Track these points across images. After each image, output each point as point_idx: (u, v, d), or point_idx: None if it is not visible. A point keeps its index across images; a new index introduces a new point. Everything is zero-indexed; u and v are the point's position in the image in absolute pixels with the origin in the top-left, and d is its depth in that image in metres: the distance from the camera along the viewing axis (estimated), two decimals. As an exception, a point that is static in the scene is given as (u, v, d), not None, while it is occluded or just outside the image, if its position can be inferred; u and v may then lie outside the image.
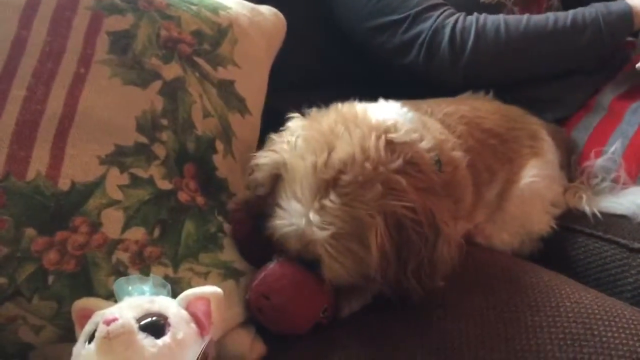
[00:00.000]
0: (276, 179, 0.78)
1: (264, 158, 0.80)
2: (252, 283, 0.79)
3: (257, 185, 0.81)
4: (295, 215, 0.74)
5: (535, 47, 1.18)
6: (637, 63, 1.23)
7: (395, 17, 1.19)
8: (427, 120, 0.92)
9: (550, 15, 1.18)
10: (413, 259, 0.73)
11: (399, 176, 0.74)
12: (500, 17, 1.18)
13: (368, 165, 0.73)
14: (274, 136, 0.84)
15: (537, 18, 1.18)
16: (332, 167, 0.73)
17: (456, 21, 1.17)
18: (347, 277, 0.76)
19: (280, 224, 0.76)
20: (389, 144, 0.76)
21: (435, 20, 1.17)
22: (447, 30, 1.16)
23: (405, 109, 0.87)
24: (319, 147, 0.75)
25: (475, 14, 1.19)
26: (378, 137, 0.76)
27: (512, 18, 1.18)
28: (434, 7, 1.19)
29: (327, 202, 0.72)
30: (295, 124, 0.82)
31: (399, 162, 0.75)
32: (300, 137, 0.78)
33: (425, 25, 1.17)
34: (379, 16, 1.21)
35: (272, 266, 0.79)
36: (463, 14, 1.18)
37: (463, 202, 0.90)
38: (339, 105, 0.85)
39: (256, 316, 0.79)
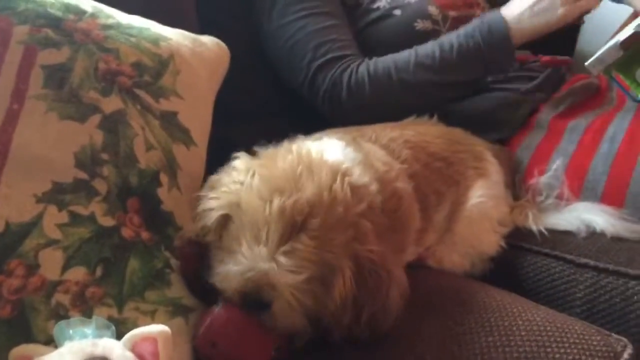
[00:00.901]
0: (225, 222, 0.76)
1: (215, 201, 0.78)
2: (198, 330, 0.76)
3: (207, 232, 0.78)
4: (259, 260, 0.71)
5: (425, 85, 1.22)
6: (573, 83, 1.28)
7: (302, 64, 1.25)
8: (369, 149, 0.92)
9: (436, 47, 1.21)
10: (369, 305, 0.73)
11: (365, 220, 0.74)
12: (389, 59, 1.23)
13: (340, 209, 0.73)
14: (218, 177, 0.82)
15: (424, 52, 1.22)
16: (301, 210, 0.71)
17: (351, 73, 1.22)
18: (295, 323, 0.74)
19: (238, 270, 0.72)
20: (352, 187, 0.76)
21: (334, 74, 1.22)
22: (344, 84, 1.21)
23: (349, 150, 0.86)
24: (282, 188, 0.73)
25: (366, 60, 1.24)
26: (342, 181, 0.76)
27: (401, 57, 1.23)
28: (336, 59, 1.24)
29: (298, 245, 0.70)
30: (245, 163, 0.81)
31: (363, 207, 0.75)
32: (257, 177, 0.76)
33: (326, 79, 1.23)
34: (292, 61, 1.27)
35: (217, 311, 0.76)
36: (357, 64, 1.23)
37: (409, 230, 0.90)
38: (289, 144, 0.84)
39: None
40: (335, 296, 0.71)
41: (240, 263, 0.72)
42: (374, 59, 1.24)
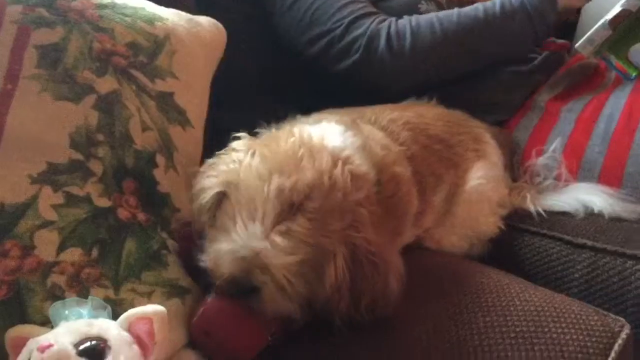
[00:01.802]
0: (221, 201, 0.75)
1: (212, 179, 0.77)
2: (192, 319, 0.76)
3: (202, 211, 0.78)
4: (252, 238, 0.70)
5: (469, 37, 1.20)
6: (571, 64, 1.27)
7: (329, 26, 1.20)
8: (369, 131, 0.91)
9: (479, 5, 1.21)
10: (368, 293, 0.73)
11: (363, 209, 0.74)
12: (432, 14, 1.21)
13: (339, 194, 0.72)
14: (216, 158, 0.81)
15: (467, 9, 1.20)
16: (300, 191, 0.71)
17: (389, 25, 1.18)
18: (285, 307, 0.73)
19: (230, 248, 0.71)
20: (352, 175, 0.75)
21: (369, 27, 1.18)
22: (383, 34, 1.18)
23: (349, 134, 0.85)
24: (283, 169, 0.72)
25: (406, 16, 1.21)
26: (343, 168, 0.75)
27: (443, 13, 1.21)
28: (367, 15, 1.21)
29: (294, 226, 0.69)
30: (245, 143, 0.80)
31: (361, 195, 0.75)
32: (257, 157, 0.75)
33: (359, 32, 1.19)
34: (315, 27, 1.22)
35: (210, 300, 0.76)
36: (395, 18, 1.20)
37: (407, 214, 0.90)
38: (290, 127, 0.84)
39: (200, 350, 0.76)
40: (327, 283, 0.71)
41: (234, 241, 0.71)
42: (414, 15, 1.22)
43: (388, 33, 1.18)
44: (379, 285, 0.73)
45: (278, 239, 0.69)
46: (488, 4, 1.20)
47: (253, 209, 0.71)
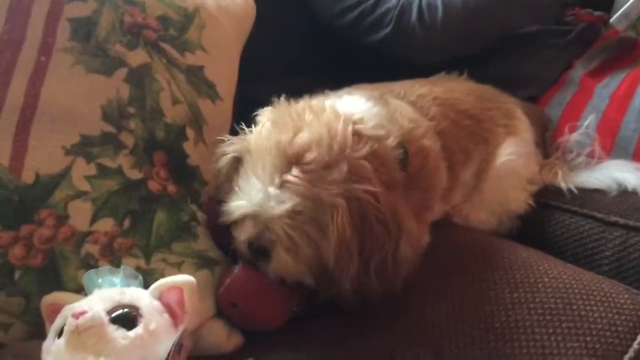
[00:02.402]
0: (237, 165, 0.77)
1: (230, 146, 0.78)
2: (218, 289, 0.77)
3: (218, 176, 0.80)
4: (253, 191, 0.72)
5: (501, 8, 1.18)
6: (607, 38, 1.23)
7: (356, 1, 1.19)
8: (397, 105, 0.91)
9: None
10: (377, 254, 0.71)
11: (364, 162, 0.72)
12: None
13: (335, 147, 0.71)
14: (244, 127, 0.82)
15: None
16: (297, 145, 0.71)
17: None
18: (297, 270, 0.73)
19: (236, 205, 0.74)
20: (357, 133, 0.75)
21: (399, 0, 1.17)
22: (415, 7, 1.16)
23: (370, 104, 0.85)
24: (285, 128, 0.73)
25: None
26: (346, 125, 0.74)
27: None
28: None
29: (288, 177, 0.70)
30: (265, 113, 0.81)
31: (365, 150, 0.73)
32: (267, 122, 0.76)
33: (391, 4, 1.18)
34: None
35: (236, 271, 0.77)
36: None
37: (435, 188, 0.88)
38: (308, 98, 0.84)
39: (227, 319, 0.78)
40: (331, 239, 0.70)
41: (239, 198, 0.73)
42: None
43: (420, 6, 1.16)
44: (389, 246, 0.72)
45: (272, 190, 0.70)
46: None
47: (256, 167, 0.73)
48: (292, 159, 0.71)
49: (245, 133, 0.80)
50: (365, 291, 0.73)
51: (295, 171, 0.70)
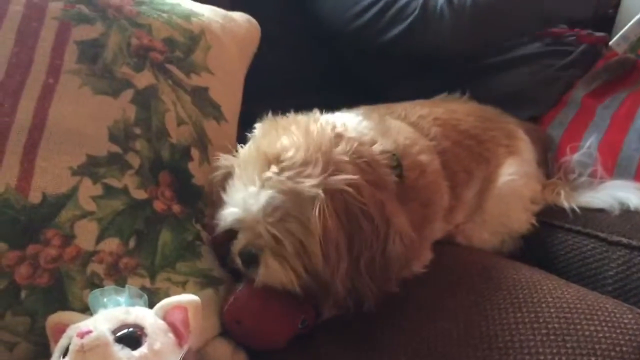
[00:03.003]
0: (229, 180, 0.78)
1: (224, 160, 0.80)
2: (223, 307, 0.77)
3: (211, 188, 0.82)
4: (236, 195, 0.74)
5: None
6: (609, 59, 1.25)
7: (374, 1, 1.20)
8: (395, 125, 0.92)
9: None
10: (365, 252, 0.71)
11: (343, 156, 0.73)
12: None
13: (313, 145, 0.73)
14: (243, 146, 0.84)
15: None
16: (276, 147, 0.73)
17: None
18: (286, 276, 0.73)
19: (225, 213, 0.76)
20: (337, 135, 0.76)
21: None
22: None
23: (360, 118, 0.87)
24: (269, 137, 0.76)
25: None
26: (326, 128, 0.77)
27: None
28: None
29: (266, 174, 0.72)
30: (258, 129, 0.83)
31: (343, 147, 0.75)
32: (254, 137, 0.79)
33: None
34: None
35: (241, 288, 0.78)
36: None
37: (434, 205, 0.89)
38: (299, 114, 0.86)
39: (232, 337, 0.78)
40: (316, 233, 0.69)
41: (226, 206, 0.76)
42: None
43: None
44: (377, 242, 0.72)
45: (251, 189, 0.72)
46: None
47: (242, 174, 0.75)
48: (271, 160, 0.72)
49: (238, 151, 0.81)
50: (359, 291, 0.73)
51: (273, 168, 0.72)
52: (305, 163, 0.71)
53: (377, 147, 0.80)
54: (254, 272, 0.75)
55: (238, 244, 0.76)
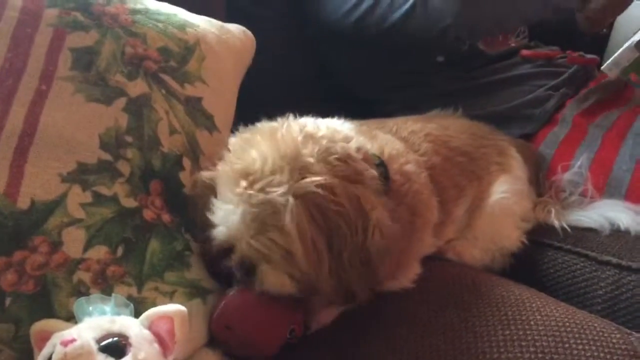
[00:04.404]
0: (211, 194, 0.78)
1: (206, 172, 0.81)
2: (213, 313, 0.77)
3: (190, 202, 0.82)
4: (219, 214, 0.75)
5: None
6: (600, 80, 1.26)
7: None
8: (384, 138, 0.92)
9: None
10: (346, 248, 0.72)
11: (310, 159, 0.73)
12: None
13: (277, 154, 0.73)
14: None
15: None
16: (244, 161, 0.74)
17: None
18: (281, 281, 0.74)
19: (214, 232, 0.76)
20: (306, 136, 0.77)
21: None
22: None
23: (342, 121, 0.87)
24: (239, 150, 0.77)
25: None
26: (293, 130, 0.77)
27: None
28: None
29: (238, 190, 0.72)
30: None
31: (310, 149, 0.75)
32: (227, 154, 0.80)
33: None
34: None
35: (231, 294, 0.78)
36: None
37: (422, 217, 0.88)
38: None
39: (220, 345, 0.78)
40: (293, 236, 0.70)
41: (212, 225, 0.76)
42: None
43: None
44: (355, 237, 0.72)
45: (227, 207, 0.73)
46: None
47: (219, 193, 0.76)
48: (240, 174, 0.73)
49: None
50: (347, 286, 0.73)
51: (242, 183, 0.72)
52: (272, 172, 0.72)
53: (352, 144, 0.80)
54: (255, 281, 0.76)
55: (235, 259, 0.76)
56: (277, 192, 0.70)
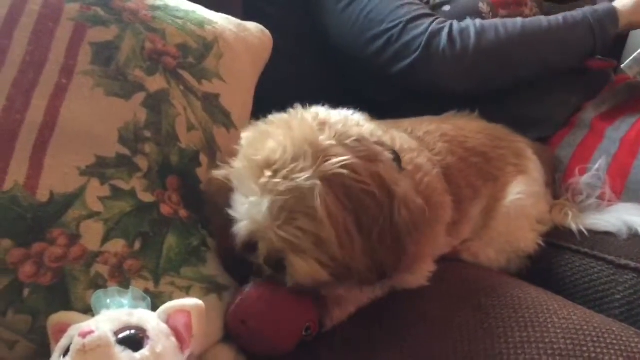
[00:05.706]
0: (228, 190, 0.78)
1: (219, 170, 0.80)
2: (229, 308, 0.77)
3: (206, 198, 0.82)
4: (241, 208, 0.74)
5: (534, 43, 1.20)
6: (618, 83, 1.25)
7: (385, 26, 1.21)
8: (398, 136, 0.91)
9: (542, 17, 1.21)
10: (375, 227, 0.72)
11: (330, 141, 0.73)
12: (495, 20, 1.21)
13: (297, 141, 0.73)
14: None
15: (530, 19, 1.21)
16: (263, 151, 0.73)
17: (451, 25, 1.18)
18: (312, 270, 0.73)
19: (237, 228, 0.75)
20: (321, 123, 0.76)
21: (430, 26, 1.18)
22: (444, 34, 1.17)
23: (352, 112, 0.86)
24: (255, 142, 0.76)
25: (468, 18, 1.21)
26: (308, 119, 0.77)
27: (506, 20, 1.21)
28: (425, 15, 1.21)
29: (262, 180, 0.71)
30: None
31: (328, 133, 0.74)
32: (242, 148, 0.79)
33: (419, 31, 1.18)
34: (370, 29, 1.22)
35: (248, 289, 0.77)
36: (455, 20, 1.20)
37: (436, 210, 0.87)
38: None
39: (235, 340, 0.77)
40: (325, 223, 0.70)
41: (236, 220, 0.75)
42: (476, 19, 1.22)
43: (450, 32, 1.17)
44: (383, 214, 0.72)
45: (252, 199, 0.72)
46: (551, 16, 1.21)
47: (239, 187, 0.75)
48: (262, 166, 0.72)
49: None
50: (378, 265, 0.73)
51: (266, 173, 0.71)
52: (295, 159, 0.71)
53: (365, 128, 0.80)
54: (285, 276, 0.75)
55: (261, 255, 0.76)
56: (303, 177, 0.70)
